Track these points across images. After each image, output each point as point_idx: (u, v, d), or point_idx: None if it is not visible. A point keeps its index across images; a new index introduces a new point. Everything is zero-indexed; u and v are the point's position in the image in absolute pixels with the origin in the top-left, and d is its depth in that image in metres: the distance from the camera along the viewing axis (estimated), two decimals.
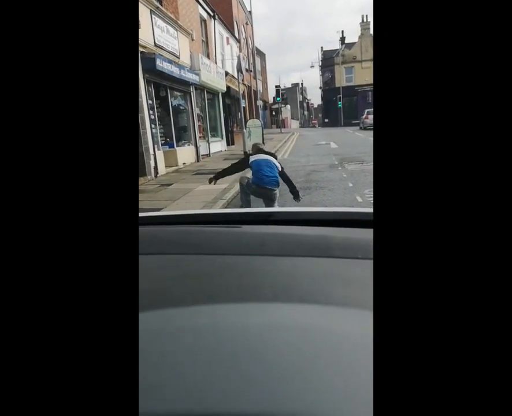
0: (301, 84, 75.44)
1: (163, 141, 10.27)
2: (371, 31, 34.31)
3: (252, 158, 4.50)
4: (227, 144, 16.93)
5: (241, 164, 4.69)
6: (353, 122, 32.81)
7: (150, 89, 9.38)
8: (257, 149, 4.71)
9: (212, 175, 4.70)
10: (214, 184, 4.66)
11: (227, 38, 18.71)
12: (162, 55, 9.25)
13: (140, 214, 1.11)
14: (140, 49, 8.41)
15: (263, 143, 13.00)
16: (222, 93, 16.35)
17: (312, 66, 46.51)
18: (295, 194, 4.56)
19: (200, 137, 12.93)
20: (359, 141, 15.48)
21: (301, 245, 0.72)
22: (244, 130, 12.38)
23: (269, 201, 4.36)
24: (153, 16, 9.17)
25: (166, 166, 9.55)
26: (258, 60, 32.07)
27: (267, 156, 4.50)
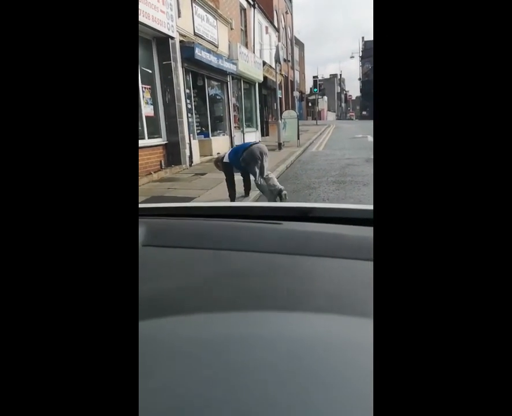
0: (340, 74, 73.89)
1: (198, 131, 10.39)
2: None
3: (225, 158, 4.90)
4: (262, 135, 16.90)
5: (226, 170, 4.96)
6: None
7: (188, 79, 9.48)
8: (217, 159, 5.23)
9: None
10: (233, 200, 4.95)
11: (266, 27, 18.55)
12: (201, 44, 9.31)
13: (164, 205, 1.12)
14: (180, 38, 8.50)
15: (298, 134, 12.87)
16: (259, 83, 16.28)
17: (352, 57, 45.36)
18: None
19: (235, 127, 12.98)
20: None
21: (347, 246, 0.68)
22: (280, 121, 12.28)
23: (256, 155, 4.74)
24: (194, 5, 9.22)
25: (200, 155, 9.66)
26: (296, 50, 31.64)
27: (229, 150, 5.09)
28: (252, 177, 4.91)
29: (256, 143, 5.02)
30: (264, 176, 4.80)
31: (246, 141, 13.88)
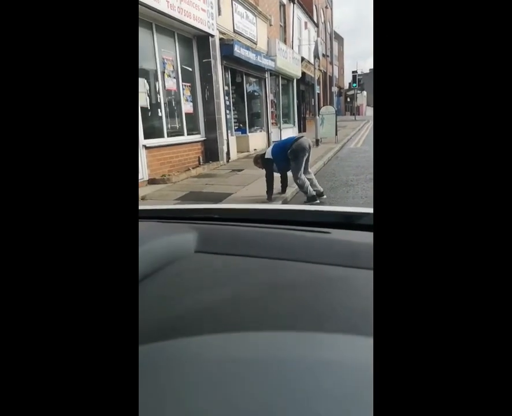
0: None
1: (236, 127, 10.47)
2: None
3: (267, 154, 4.82)
4: (299, 131, 16.76)
5: (267, 166, 4.89)
6: None
7: (227, 76, 9.59)
8: (257, 156, 5.11)
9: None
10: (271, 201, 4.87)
11: (305, 22, 18.32)
12: (240, 41, 9.37)
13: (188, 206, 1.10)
14: (220, 35, 8.60)
15: (336, 130, 12.65)
16: (297, 79, 16.14)
17: None
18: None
19: (272, 123, 12.96)
20: None
21: None
22: (317, 117, 12.14)
23: (299, 150, 4.66)
24: (234, 2, 9.29)
25: (237, 152, 9.75)
26: (335, 44, 31.01)
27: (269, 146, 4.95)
28: (290, 175, 4.86)
29: (302, 136, 4.93)
30: (307, 176, 4.77)
31: (283, 137, 13.84)
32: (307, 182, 4.73)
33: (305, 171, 4.78)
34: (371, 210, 0.85)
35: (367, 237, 0.71)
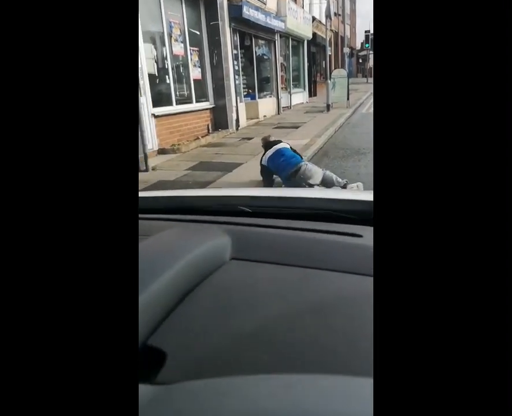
0: None
1: (245, 93, 10.25)
2: None
3: (264, 160, 4.07)
4: (310, 95, 16.35)
5: (264, 175, 4.18)
6: None
7: (235, 39, 9.27)
8: (266, 143, 4.31)
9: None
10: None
11: None
12: (249, 2, 8.99)
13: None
14: None
15: (348, 95, 12.30)
16: (308, 41, 15.58)
17: None
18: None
19: (282, 88, 12.64)
20: None
21: None
22: (328, 81, 11.77)
23: (305, 180, 3.80)
24: None
25: (247, 119, 9.58)
26: (347, 2, 29.68)
27: (275, 147, 4.08)
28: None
29: (299, 167, 3.86)
30: (322, 179, 3.85)
31: (293, 103, 13.54)
32: (330, 176, 3.87)
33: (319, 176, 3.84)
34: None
35: None
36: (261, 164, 4.17)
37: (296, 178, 3.80)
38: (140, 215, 0.95)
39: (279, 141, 4.24)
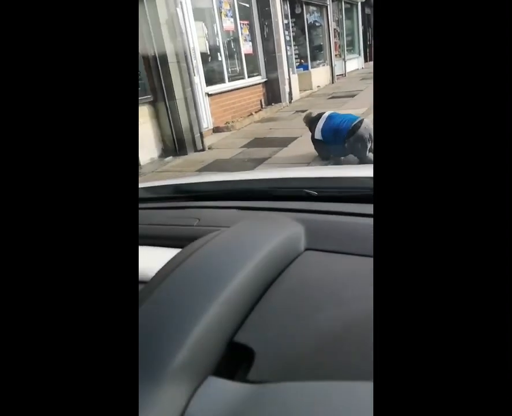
0: None
1: (297, 63, 9.96)
2: None
3: (317, 134, 3.86)
4: (365, 60, 15.53)
5: (320, 149, 4.03)
6: None
7: (285, 8, 8.97)
8: (310, 120, 4.07)
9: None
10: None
11: None
12: None
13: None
14: None
15: None
16: (361, 2, 14.68)
17: None
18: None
19: (336, 55, 12.11)
20: None
21: None
22: None
23: (370, 131, 3.55)
24: None
25: (300, 90, 9.33)
26: None
27: (324, 116, 3.87)
28: None
29: (361, 121, 3.66)
30: None
31: (348, 70, 12.96)
32: None
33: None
34: None
35: None
36: (314, 140, 3.99)
37: (359, 133, 3.56)
38: (202, 203, 0.95)
39: (323, 113, 4.02)
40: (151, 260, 0.62)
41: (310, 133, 4.10)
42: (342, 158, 3.95)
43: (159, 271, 0.56)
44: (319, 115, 3.99)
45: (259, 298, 0.50)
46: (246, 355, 0.42)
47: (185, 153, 5.34)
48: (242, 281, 0.50)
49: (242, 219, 0.74)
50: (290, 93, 8.64)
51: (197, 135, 5.41)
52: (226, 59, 7.12)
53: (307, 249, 0.62)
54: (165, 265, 0.57)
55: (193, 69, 5.69)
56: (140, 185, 1.14)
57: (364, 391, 0.33)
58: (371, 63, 15.55)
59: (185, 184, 1.13)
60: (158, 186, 1.23)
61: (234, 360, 0.42)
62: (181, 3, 5.50)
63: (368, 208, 0.74)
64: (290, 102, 8.54)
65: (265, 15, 7.84)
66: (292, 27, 9.60)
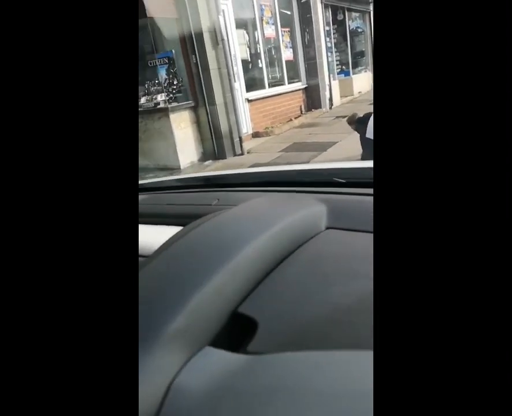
0: None
1: (338, 70, 9.87)
2: None
3: (368, 133, 3.66)
4: None
5: (369, 147, 3.75)
6: None
7: (327, 14, 8.94)
8: (356, 121, 3.95)
9: None
10: None
11: None
12: None
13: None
14: None
15: None
16: None
17: None
18: None
19: None
20: None
21: None
22: None
23: None
24: None
25: (341, 97, 9.23)
26: None
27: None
28: None
29: None
30: None
31: None
32: None
33: None
34: None
35: None
36: (365, 139, 3.79)
37: None
38: (229, 188, 0.95)
39: (371, 113, 3.85)
40: (164, 239, 0.61)
41: (352, 137, 3.99)
42: None
43: (163, 244, 0.55)
44: (369, 115, 3.86)
45: (271, 271, 0.48)
46: (249, 326, 0.40)
47: (224, 157, 5.42)
48: (253, 253, 0.48)
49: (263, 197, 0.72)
50: (330, 99, 8.56)
51: (236, 140, 5.49)
52: (266, 66, 7.19)
53: (328, 228, 0.60)
54: (171, 238, 0.56)
55: (234, 75, 5.79)
56: (171, 177, 1.16)
57: (365, 360, 0.31)
58: None
59: (214, 175, 1.14)
60: (189, 177, 1.24)
61: (236, 332, 0.40)
62: (223, 11, 5.64)
63: None
64: (330, 108, 8.46)
65: (306, 22, 7.86)
66: (334, 33, 9.55)
